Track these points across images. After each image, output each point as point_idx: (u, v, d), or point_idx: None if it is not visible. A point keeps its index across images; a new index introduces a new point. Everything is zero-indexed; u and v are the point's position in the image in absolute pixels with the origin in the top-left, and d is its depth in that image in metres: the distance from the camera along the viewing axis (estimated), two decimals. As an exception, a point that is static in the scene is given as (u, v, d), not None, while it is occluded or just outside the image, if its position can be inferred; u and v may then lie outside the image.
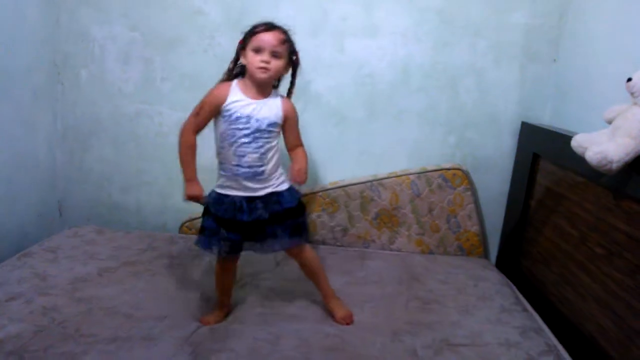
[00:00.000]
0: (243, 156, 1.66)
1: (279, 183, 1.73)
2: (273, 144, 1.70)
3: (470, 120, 2.45)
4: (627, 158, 1.41)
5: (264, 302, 1.92)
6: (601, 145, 1.47)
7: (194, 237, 2.49)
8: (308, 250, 1.82)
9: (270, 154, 1.69)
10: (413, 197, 2.47)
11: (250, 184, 1.68)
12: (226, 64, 2.44)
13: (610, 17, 1.97)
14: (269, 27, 1.64)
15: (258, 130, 1.65)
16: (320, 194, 2.50)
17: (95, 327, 1.66)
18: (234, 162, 1.67)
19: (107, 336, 1.61)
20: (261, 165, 1.68)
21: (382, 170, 2.51)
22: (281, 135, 1.77)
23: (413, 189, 2.46)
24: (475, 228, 2.48)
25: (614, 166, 1.42)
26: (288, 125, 1.75)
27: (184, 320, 1.76)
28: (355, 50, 2.41)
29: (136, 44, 2.48)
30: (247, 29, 1.68)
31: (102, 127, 2.59)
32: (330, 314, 1.83)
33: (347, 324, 1.80)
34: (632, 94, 1.49)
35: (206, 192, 1.77)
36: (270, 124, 1.67)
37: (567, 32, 2.28)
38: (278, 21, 2.31)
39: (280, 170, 1.75)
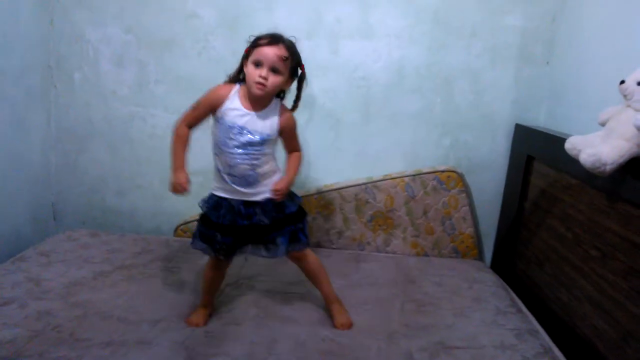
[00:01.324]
0: (234, 165, 1.65)
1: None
2: (266, 152, 1.68)
3: (465, 122, 2.46)
4: (620, 160, 1.42)
5: (260, 304, 1.92)
6: (595, 147, 1.47)
7: (189, 240, 2.48)
8: (310, 255, 1.81)
9: (262, 162, 1.68)
10: (408, 200, 2.47)
11: (243, 189, 1.68)
12: (220, 67, 2.44)
13: (603, 19, 1.98)
14: (273, 40, 1.60)
15: (250, 143, 1.64)
16: (315, 196, 2.50)
17: (90, 332, 1.65)
18: (225, 169, 1.67)
19: (102, 340, 1.61)
20: (252, 174, 1.67)
21: (377, 173, 2.51)
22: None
23: (408, 191, 2.46)
24: (469, 230, 2.48)
25: (608, 168, 1.43)
26: (285, 136, 1.73)
27: (179, 324, 1.75)
28: (350, 52, 2.41)
29: (130, 47, 2.47)
30: (252, 38, 1.65)
31: (96, 129, 2.58)
32: (330, 317, 1.83)
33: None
34: (625, 96, 1.50)
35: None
36: (264, 138, 1.65)
37: (561, 35, 2.30)
38: (273, 23, 2.34)
39: (277, 176, 1.73)
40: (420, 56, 2.40)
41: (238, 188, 1.67)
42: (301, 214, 1.78)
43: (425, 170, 2.47)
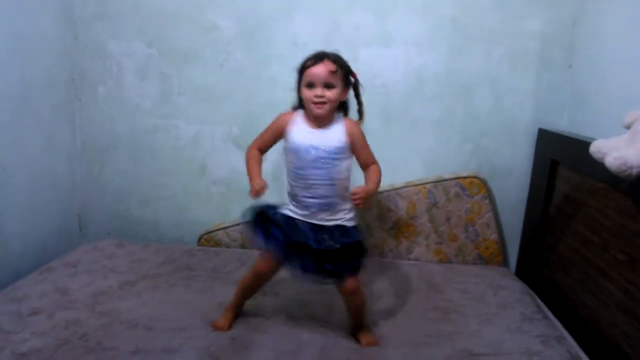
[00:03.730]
0: (313, 188, 1.67)
1: (348, 218, 1.72)
2: (340, 169, 1.68)
3: (486, 128, 2.45)
4: (647, 163, 1.40)
5: (286, 312, 1.92)
6: (620, 150, 1.45)
7: (212, 249, 2.54)
8: (360, 291, 1.76)
9: (337, 183, 1.68)
10: (430, 206, 2.46)
11: (321, 215, 1.69)
12: (241, 77, 2.49)
13: (624, 21, 1.96)
14: (317, 59, 1.63)
15: (321, 158, 1.65)
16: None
17: (116, 340, 1.67)
18: (305, 193, 1.68)
19: (128, 349, 1.62)
20: (333, 197, 1.68)
21: (399, 180, 2.51)
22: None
23: (430, 198, 2.45)
24: (494, 236, 2.46)
25: (634, 171, 1.41)
26: (355, 147, 1.71)
27: (204, 331, 1.76)
28: (369, 59, 2.41)
29: (153, 60, 2.52)
30: (300, 64, 1.67)
31: (120, 141, 2.62)
32: (355, 338, 1.79)
33: None
34: (650, 98, 1.48)
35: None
36: (333, 151, 1.66)
37: (581, 38, 2.27)
38: (292, 33, 2.36)
39: (350, 206, 1.73)
40: (439, 63, 2.40)
41: (316, 213, 1.68)
42: (364, 245, 1.74)
43: (447, 176, 2.46)
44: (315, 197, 1.67)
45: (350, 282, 1.70)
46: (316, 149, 1.65)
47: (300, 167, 1.67)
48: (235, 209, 2.58)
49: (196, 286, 2.12)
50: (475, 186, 2.43)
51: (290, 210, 1.73)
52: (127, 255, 2.40)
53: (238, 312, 1.85)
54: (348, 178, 1.73)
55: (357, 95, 1.77)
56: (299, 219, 1.71)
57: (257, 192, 1.66)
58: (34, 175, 2.34)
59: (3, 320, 1.76)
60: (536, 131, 2.40)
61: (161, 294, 2.04)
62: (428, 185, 2.46)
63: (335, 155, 1.67)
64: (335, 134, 1.68)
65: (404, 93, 2.44)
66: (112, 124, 2.61)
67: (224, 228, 2.59)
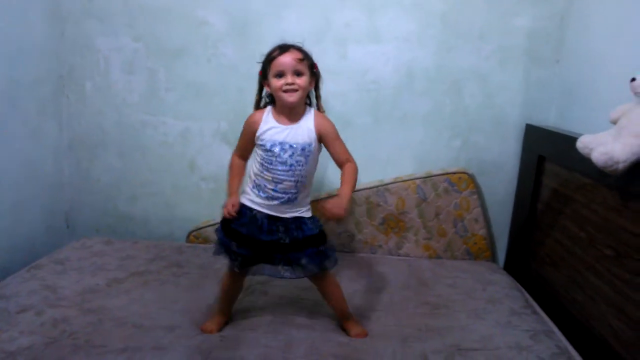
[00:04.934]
0: (280, 182, 1.67)
1: (305, 210, 1.73)
2: (310, 168, 1.69)
3: (475, 124, 2.46)
4: (633, 158, 1.41)
5: (274, 310, 1.92)
6: (607, 145, 1.47)
7: (201, 246, 2.53)
8: (330, 279, 1.79)
9: (306, 181, 1.70)
10: (419, 202, 2.47)
11: (280, 207, 1.69)
12: (230, 73, 2.48)
13: (611, 17, 1.97)
14: (284, 48, 1.63)
15: (291, 155, 1.65)
16: (326, 199, 2.49)
17: (105, 338, 1.66)
18: (270, 187, 1.68)
19: (117, 347, 1.61)
20: (296, 192, 1.68)
21: (388, 175, 2.51)
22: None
23: (419, 193, 2.46)
24: (482, 231, 2.47)
25: (620, 166, 1.42)
26: (326, 141, 1.70)
27: (194, 329, 1.76)
28: (359, 56, 2.42)
29: (140, 55, 2.50)
30: (265, 57, 1.67)
31: (108, 138, 2.61)
32: (343, 330, 1.81)
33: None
34: (636, 93, 1.50)
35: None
36: (304, 148, 1.66)
37: (569, 34, 2.29)
38: (282, 29, 2.35)
39: (309, 198, 1.75)
40: (429, 59, 2.41)
41: (276, 204, 1.68)
42: (322, 236, 1.74)
43: (436, 172, 2.47)
44: (281, 192, 1.67)
45: (314, 272, 1.73)
46: (286, 146, 1.65)
47: (269, 162, 1.67)
48: (224, 206, 2.58)
49: (186, 283, 2.12)
50: (464, 182, 2.44)
51: (249, 199, 1.72)
52: (116, 252, 2.38)
53: (228, 317, 1.84)
54: (313, 174, 1.74)
55: (317, 88, 1.75)
56: (256, 210, 1.70)
57: (228, 213, 1.69)
58: (21, 173, 2.33)
59: (-9, 318, 1.74)
60: (524, 127, 2.41)
61: (150, 291, 2.03)
62: (417, 181, 2.46)
63: (305, 152, 1.66)
64: (305, 130, 1.67)
65: (393, 89, 2.44)
66: (100, 120, 2.59)
67: (214, 224, 2.58)
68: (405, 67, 2.42)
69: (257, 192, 1.70)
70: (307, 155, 1.67)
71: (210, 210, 2.61)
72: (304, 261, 1.69)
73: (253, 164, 1.74)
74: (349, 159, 1.72)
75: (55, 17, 2.47)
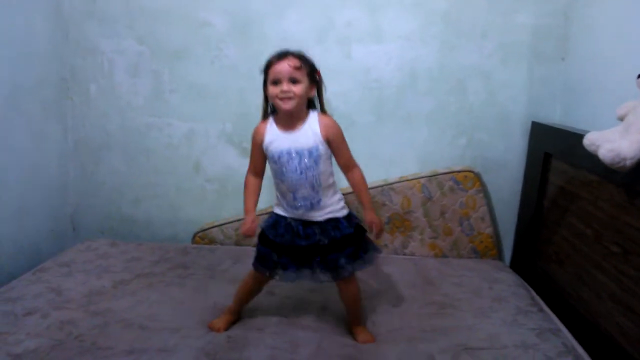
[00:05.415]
0: (296, 191, 1.66)
1: (338, 209, 1.71)
2: (323, 170, 1.67)
3: (479, 122, 2.45)
4: (640, 154, 1.40)
5: (281, 311, 1.92)
6: (614, 142, 1.45)
7: (206, 247, 2.53)
8: (354, 282, 1.77)
9: (323, 183, 1.67)
10: (425, 201, 2.46)
11: (308, 213, 1.69)
12: (233, 74, 2.49)
13: (616, 13, 1.96)
14: (281, 56, 1.62)
15: (302, 162, 1.64)
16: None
17: (111, 340, 1.67)
18: (290, 197, 1.68)
19: (123, 349, 1.62)
20: (317, 197, 1.67)
21: (393, 175, 2.51)
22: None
23: (424, 192, 2.45)
24: (488, 230, 2.46)
25: (628, 163, 1.41)
26: (332, 144, 1.68)
27: (199, 330, 1.76)
28: (361, 55, 2.41)
29: (144, 57, 2.50)
30: (264, 64, 1.66)
31: (112, 140, 2.61)
32: (351, 335, 1.80)
33: None
34: (643, 90, 1.48)
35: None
36: (311, 152, 1.64)
37: (574, 31, 2.28)
38: (284, 29, 2.35)
39: (338, 196, 1.73)
40: (432, 57, 2.40)
41: (303, 212, 1.68)
42: (360, 233, 1.74)
43: (441, 170, 2.46)
44: (301, 199, 1.67)
45: (356, 270, 1.73)
46: (293, 154, 1.64)
47: (280, 172, 1.67)
48: (229, 207, 2.58)
49: (191, 284, 2.12)
50: (470, 180, 2.43)
51: (281, 208, 1.74)
52: (121, 254, 2.39)
53: (238, 317, 1.85)
54: (332, 173, 1.72)
55: (320, 94, 1.73)
56: (289, 217, 1.71)
57: (245, 234, 1.71)
58: (25, 176, 2.33)
59: (-3, 321, 1.74)
60: (529, 124, 2.40)
61: (156, 293, 2.03)
62: (422, 180, 2.46)
63: (313, 156, 1.65)
64: (309, 133, 1.65)
65: (397, 88, 2.44)
66: (104, 122, 2.59)
67: (219, 225, 2.59)
68: (408, 66, 2.41)
69: (282, 201, 1.71)
70: (316, 158, 1.65)
71: (215, 212, 2.61)
72: (342, 261, 1.69)
73: (272, 177, 1.74)
74: (353, 164, 1.73)
75: (58, 19, 2.47)
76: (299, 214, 1.69)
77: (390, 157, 2.51)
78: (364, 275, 2.22)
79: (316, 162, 1.65)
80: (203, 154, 2.58)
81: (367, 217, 1.72)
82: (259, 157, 1.73)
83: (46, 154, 2.48)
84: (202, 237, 2.62)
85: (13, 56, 2.20)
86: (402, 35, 2.39)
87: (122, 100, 2.56)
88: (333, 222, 1.69)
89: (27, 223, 2.35)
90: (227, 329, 1.78)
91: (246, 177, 1.79)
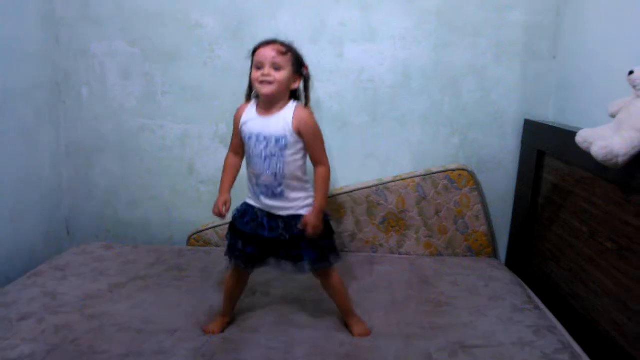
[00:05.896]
0: (259, 175, 1.66)
1: (301, 206, 1.69)
2: (289, 161, 1.65)
3: (473, 120, 2.45)
4: (633, 151, 1.41)
5: (276, 311, 1.92)
6: (606, 139, 1.46)
7: (202, 249, 2.53)
8: (333, 274, 1.78)
9: (287, 175, 1.65)
10: (419, 200, 2.46)
11: (268, 202, 1.68)
12: (226, 75, 2.48)
13: (608, 10, 1.96)
14: (268, 41, 1.64)
15: (268, 147, 1.63)
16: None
17: (107, 344, 1.66)
18: (254, 182, 1.69)
19: (119, 352, 1.61)
20: (278, 186, 1.66)
21: (387, 174, 2.51)
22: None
23: (419, 191, 2.46)
24: (483, 228, 2.47)
25: (620, 160, 1.42)
26: (305, 138, 1.65)
27: (195, 333, 1.76)
28: (355, 55, 2.41)
29: (136, 59, 2.49)
30: (251, 50, 1.68)
31: (106, 143, 2.60)
32: (346, 327, 1.81)
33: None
34: (634, 87, 1.49)
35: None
36: (278, 140, 1.63)
37: (566, 28, 2.28)
38: (277, 29, 2.34)
39: (306, 193, 1.71)
40: (425, 56, 2.40)
41: (264, 200, 1.68)
42: (327, 232, 1.74)
43: (435, 169, 2.46)
44: (262, 185, 1.67)
45: (318, 268, 1.73)
46: (260, 137, 1.64)
47: (249, 155, 1.68)
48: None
49: (187, 287, 2.11)
50: (464, 179, 2.43)
51: (250, 198, 1.75)
52: (117, 257, 2.38)
53: (230, 318, 1.84)
54: (301, 167, 1.69)
55: (306, 89, 1.74)
56: (257, 208, 1.72)
57: (215, 214, 1.73)
58: (19, 180, 2.32)
59: (-8, 326, 1.74)
60: (522, 122, 2.41)
61: (152, 295, 2.02)
62: (417, 179, 2.46)
63: (279, 145, 1.63)
64: (281, 122, 1.64)
65: (390, 87, 2.44)
66: (97, 125, 2.58)
67: (214, 227, 2.58)
68: (402, 65, 2.41)
69: (250, 186, 1.73)
70: (282, 147, 1.63)
71: (210, 214, 2.58)
72: (304, 257, 1.69)
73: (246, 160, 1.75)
74: (322, 161, 1.70)
75: (50, 22, 2.46)
76: (264, 203, 1.69)
77: (385, 157, 2.51)
78: (359, 274, 2.22)
79: (281, 150, 1.63)
80: (197, 156, 2.58)
81: (307, 216, 1.66)
82: (237, 136, 1.74)
83: (40, 158, 2.47)
84: (197, 239, 2.61)
85: (5, 60, 2.19)
86: (395, 34, 2.39)
87: (115, 102, 2.55)
88: (298, 219, 1.68)
89: (21, 227, 2.34)
90: (222, 331, 1.78)
91: (226, 155, 1.80)
